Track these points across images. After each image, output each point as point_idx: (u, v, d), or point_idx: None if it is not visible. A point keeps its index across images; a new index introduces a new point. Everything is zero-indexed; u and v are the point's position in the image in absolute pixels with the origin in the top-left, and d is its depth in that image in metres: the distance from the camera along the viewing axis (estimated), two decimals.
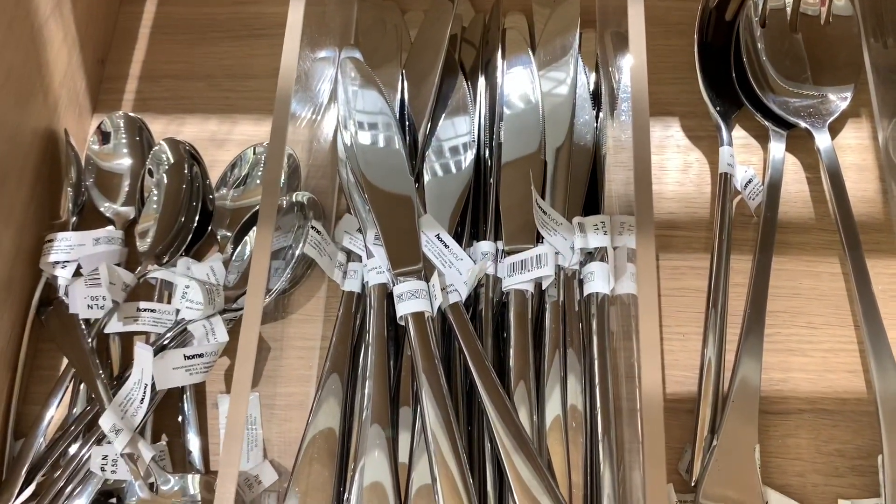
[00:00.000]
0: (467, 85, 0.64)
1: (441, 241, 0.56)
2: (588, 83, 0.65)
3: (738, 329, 0.58)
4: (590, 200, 0.60)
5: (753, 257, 0.60)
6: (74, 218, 0.64)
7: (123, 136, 0.67)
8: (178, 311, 0.58)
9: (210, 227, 0.64)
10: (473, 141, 0.61)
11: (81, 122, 0.68)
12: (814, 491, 0.54)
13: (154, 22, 0.74)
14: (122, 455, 0.53)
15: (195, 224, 0.63)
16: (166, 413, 0.58)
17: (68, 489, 0.55)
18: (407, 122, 0.62)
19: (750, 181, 0.62)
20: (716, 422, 0.55)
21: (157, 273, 0.60)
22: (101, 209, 0.64)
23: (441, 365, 0.52)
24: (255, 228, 0.57)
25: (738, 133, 0.66)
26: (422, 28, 0.67)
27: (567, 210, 0.58)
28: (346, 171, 0.60)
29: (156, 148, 0.64)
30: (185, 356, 0.54)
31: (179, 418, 0.58)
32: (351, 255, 0.59)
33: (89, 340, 0.58)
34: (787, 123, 0.63)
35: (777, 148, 0.63)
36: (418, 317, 0.53)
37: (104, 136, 0.67)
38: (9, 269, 0.59)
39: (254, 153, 0.65)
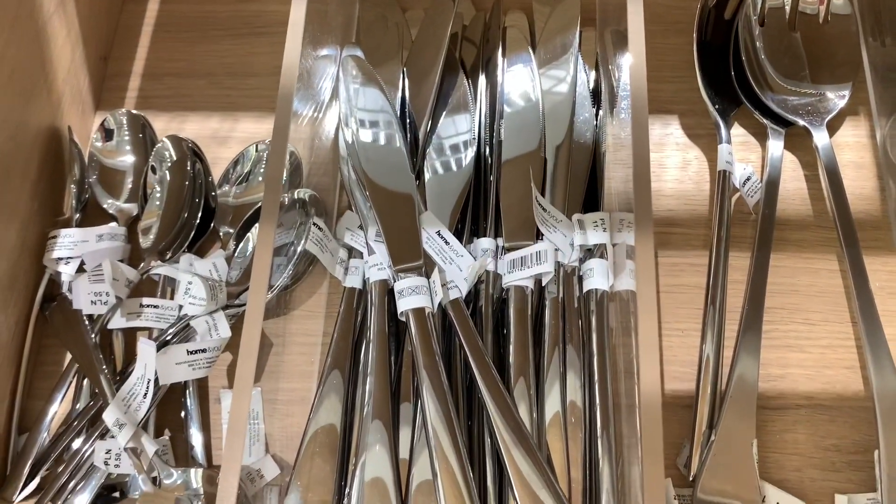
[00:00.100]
0: (468, 83, 0.64)
1: (442, 237, 0.56)
2: (588, 81, 0.65)
3: (737, 325, 0.58)
4: (589, 198, 0.61)
5: (752, 254, 0.60)
6: (78, 214, 0.64)
7: (126, 133, 0.67)
8: (180, 306, 0.59)
9: (212, 224, 0.64)
10: (474, 138, 0.62)
11: (84, 120, 0.69)
12: (811, 486, 0.55)
13: (156, 20, 0.74)
14: (125, 449, 0.53)
15: (198, 220, 0.63)
16: (169, 408, 0.59)
17: (72, 483, 0.55)
18: (408, 120, 0.63)
19: (748, 179, 0.62)
20: (714, 417, 0.55)
21: (160, 269, 0.61)
22: (105, 206, 0.65)
23: (441, 360, 0.52)
24: (257, 225, 0.58)
25: (737, 131, 0.66)
26: (423, 26, 0.67)
27: (567, 207, 0.59)
28: (348, 168, 0.61)
29: (158, 145, 0.65)
30: (187, 351, 0.55)
31: (182, 414, 0.59)
32: (352, 252, 0.60)
33: (93, 336, 0.59)
34: (785, 121, 0.64)
35: (775, 146, 0.63)
36: (419, 312, 0.53)
37: (107, 133, 0.67)
38: (13, 266, 0.59)
39: (256, 150, 0.66)
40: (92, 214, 0.65)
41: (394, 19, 0.68)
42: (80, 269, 0.61)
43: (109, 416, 0.54)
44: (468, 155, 0.61)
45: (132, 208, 0.64)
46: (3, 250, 0.58)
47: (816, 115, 0.63)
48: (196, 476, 0.54)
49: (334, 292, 0.60)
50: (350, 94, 0.61)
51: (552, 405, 0.52)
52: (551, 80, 0.64)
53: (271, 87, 0.52)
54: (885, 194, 0.63)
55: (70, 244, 0.61)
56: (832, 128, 0.65)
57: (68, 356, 0.60)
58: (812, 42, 0.65)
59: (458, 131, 0.62)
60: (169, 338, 0.57)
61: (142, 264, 0.61)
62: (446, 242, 0.56)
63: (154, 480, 0.54)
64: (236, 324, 0.58)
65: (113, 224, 0.63)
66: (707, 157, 0.65)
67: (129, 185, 0.65)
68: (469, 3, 0.71)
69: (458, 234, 0.58)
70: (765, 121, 0.64)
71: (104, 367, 0.57)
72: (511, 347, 0.54)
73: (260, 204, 0.53)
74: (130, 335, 0.61)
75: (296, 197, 0.58)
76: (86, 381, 0.59)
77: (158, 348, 0.55)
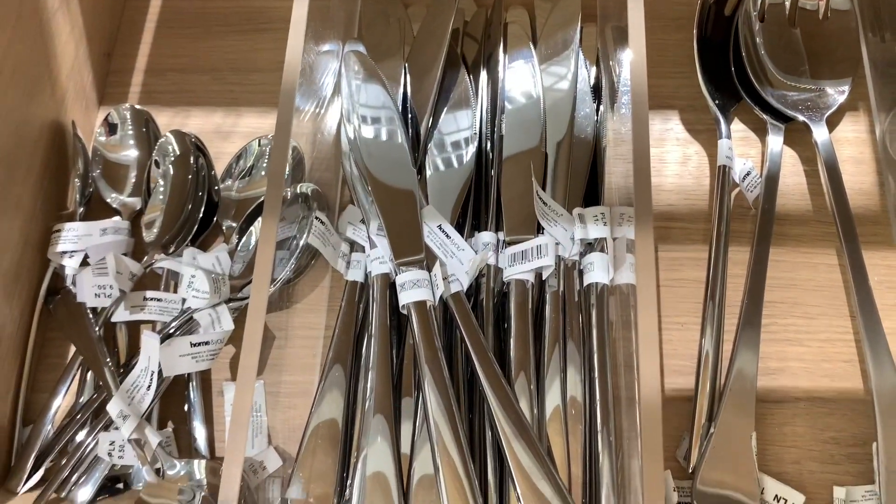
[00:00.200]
0: (469, 78, 0.65)
1: (443, 231, 0.57)
2: (589, 77, 0.65)
3: (736, 319, 0.58)
4: (590, 192, 0.61)
5: (751, 249, 0.60)
6: (81, 209, 0.64)
7: (130, 127, 0.67)
8: (184, 300, 0.59)
9: (215, 218, 0.64)
10: (475, 134, 0.62)
11: (88, 115, 0.69)
12: (810, 478, 0.55)
13: (159, 16, 0.74)
14: (129, 441, 0.54)
15: (201, 215, 0.64)
16: (172, 401, 0.59)
17: (76, 475, 0.56)
18: (409, 115, 0.63)
19: (748, 174, 0.62)
20: (713, 410, 0.55)
21: (163, 263, 0.61)
22: (108, 200, 0.65)
23: (443, 353, 0.53)
24: (259, 219, 0.58)
25: (737, 126, 0.66)
26: (424, 22, 0.67)
27: (567, 202, 0.59)
28: (350, 163, 0.61)
29: (162, 139, 0.65)
30: (191, 343, 0.55)
31: (185, 406, 0.59)
32: (354, 246, 0.60)
33: (96, 329, 0.59)
34: (785, 117, 0.64)
35: (775, 141, 0.64)
36: (420, 306, 0.54)
37: (111, 128, 0.67)
38: (17, 259, 0.60)
39: (259, 145, 0.66)
40: (95, 209, 0.65)
41: (395, 15, 0.69)
42: (84, 263, 0.61)
43: (113, 408, 0.54)
44: (469, 150, 0.61)
45: (136, 202, 0.65)
46: (8, 244, 0.59)
47: (816, 111, 0.63)
48: (199, 467, 0.54)
49: (336, 286, 0.61)
50: (352, 90, 0.61)
51: (552, 399, 0.53)
52: (552, 75, 0.64)
53: (274, 82, 0.52)
54: (885, 189, 0.63)
55: (74, 238, 0.62)
56: (832, 123, 0.65)
57: (72, 349, 0.61)
58: (812, 38, 0.66)
59: (459, 127, 0.63)
60: (172, 331, 0.57)
61: (145, 258, 0.62)
62: (447, 236, 0.57)
63: (157, 471, 0.55)
64: (239, 317, 0.58)
65: (116, 218, 0.64)
66: (707, 152, 0.66)
67: (133, 180, 0.66)
68: None
69: (460, 229, 0.58)
70: (764, 116, 0.65)
71: (108, 359, 0.58)
72: (512, 341, 0.54)
73: (263, 198, 0.54)
74: (134, 328, 0.61)
75: (298, 191, 0.59)
76: (89, 374, 0.59)
77: (162, 341, 0.55)
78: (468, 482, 0.49)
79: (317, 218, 0.57)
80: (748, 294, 0.59)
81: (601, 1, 0.68)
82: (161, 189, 0.64)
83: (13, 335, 0.60)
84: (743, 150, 0.65)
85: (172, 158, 0.64)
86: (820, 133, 0.63)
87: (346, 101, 0.61)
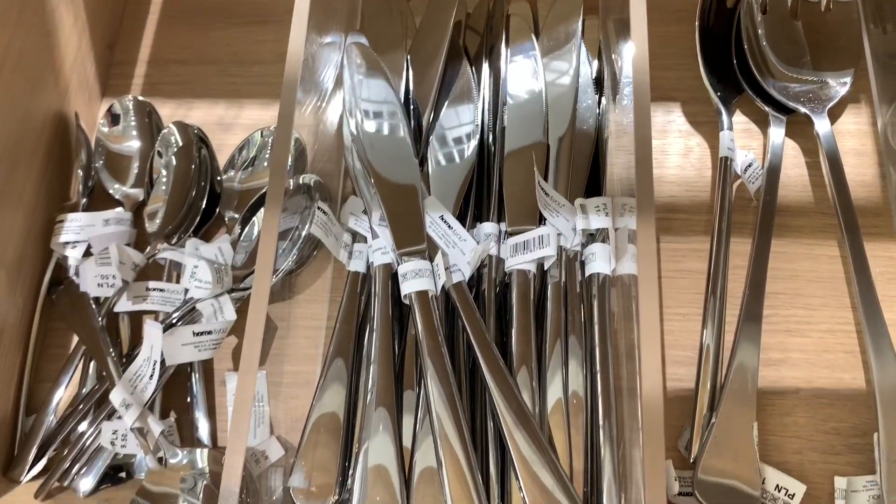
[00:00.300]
0: (471, 70, 0.65)
1: (445, 222, 0.57)
2: (591, 69, 0.65)
3: (738, 310, 0.58)
4: (592, 184, 0.61)
5: (753, 240, 0.60)
6: (84, 200, 0.65)
7: (133, 118, 0.67)
8: (186, 290, 0.59)
9: (218, 210, 0.65)
10: (477, 125, 0.62)
11: (91, 107, 0.69)
12: (811, 468, 0.55)
13: (162, 8, 0.75)
14: (131, 429, 0.54)
15: (203, 205, 0.64)
16: (175, 391, 0.59)
17: (78, 464, 0.56)
18: (411, 107, 0.63)
19: (750, 165, 0.62)
20: (715, 400, 0.55)
21: (165, 253, 0.61)
22: (111, 191, 0.65)
23: (445, 343, 0.53)
24: (262, 209, 0.58)
25: (739, 118, 0.66)
26: (426, 14, 0.67)
27: (569, 193, 0.59)
28: (352, 154, 0.61)
29: (164, 131, 0.65)
30: (193, 333, 0.55)
31: (188, 397, 0.59)
32: (356, 236, 0.60)
33: (99, 319, 0.59)
34: (786, 109, 0.64)
35: (777, 133, 0.64)
36: (422, 295, 0.54)
37: (113, 119, 0.67)
38: (20, 250, 0.60)
39: (261, 136, 0.66)
40: (98, 200, 0.66)
41: (398, 7, 0.69)
42: (87, 254, 0.62)
43: (116, 397, 0.54)
44: (471, 141, 0.61)
45: (138, 193, 0.65)
46: (11, 234, 0.59)
47: (818, 103, 0.64)
48: (202, 456, 0.55)
49: (338, 277, 0.61)
50: (354, 82, 0.61)
51: (554, 391, 0.53)
52: (554, 67, 0.64)
53: (276, 74, 0.52)
54: (886, 181, 0.63)
55: (77, 228, 0.62)
56: (833, 115, 0.65)
57: (75, 339, 0.61)
58: (814, 30, 0.66)
59: (461, 118, 0.63)
60: (175, 321, 0.58)
61: (148, 248, 0.62)
62: (449, 227, 0.57)
63: (160, 460, 0.55)
64: (241, 307, 0.59)
65: (119, 209, 0.64)
66: (709, 144, 0.66)
67: (136, 171, 0.66)
68: None
69: (462, 219, 0.58)
70: (766, 108, 0.65)
71: (111, 349, 0.58)
72: (513, 332, 0.54)
73: (265, 189, 0.54)
74: (137, 319, 0.61)
75: (301, 182, 0.59)
76: (92, 364, 0.59)
77: (164, 331, 0.55)
78: (471, 475, 0.49)
79: (319, 208, 0.57)
80: (750, 285, 0.59)
81: None
82: (164, 180, 0.64)
83: (16, 325, 0.60)
84: (745, 141, 0.65)
85: (175, 149, 0.65)
86: (822, 125, 0.63)
87: (348, 93, 0.61)
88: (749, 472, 0.52)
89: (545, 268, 0.57)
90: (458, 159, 0.61)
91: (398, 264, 0.56)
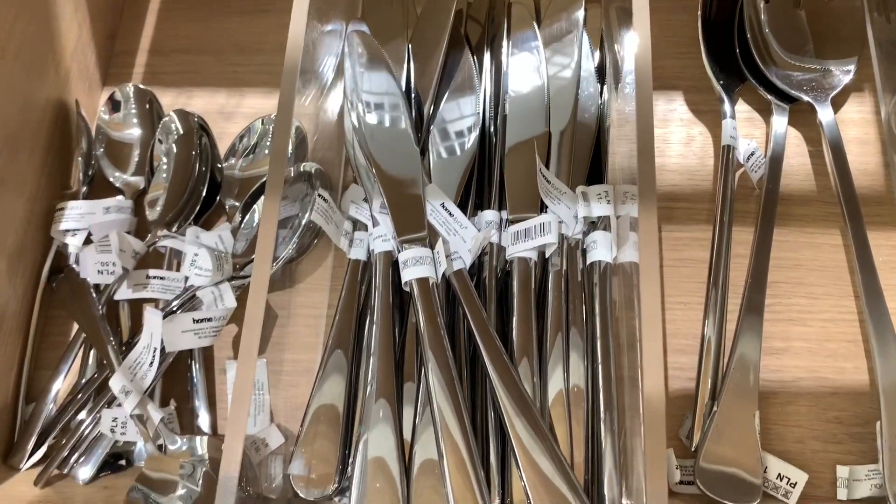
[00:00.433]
0: (473, 59, 0.65)
1: (446, 209, 0.57)
2: (593, 58, 0.65)
3: (740, 299, 0.58)
4: (593, 173, 0.61)
5: (755, 229, 0.60)
6: (85, 188, 0.64)
7: (133, 106, 0.67)
8: (186, 278, 0.59)
9: (218, 198, 0.64)
10: (478, 114, 0.62)
11: (92, 95, 0.69)
12: (813, 457, 0.55)
13: None
14: (131, 416, 0.54)
15: (204, 193, 0.64)
16: (175, 380, 0.59)
17: (78, 452, 0.56)
18: (413, 96, 0.63)
19: (752, 154, 0.62)
20: (716, 389, 0.55)
21: (166, 241, 0.61)
22: (111, 179, 0.65)
23: (445, 331, 0.53)
24: (263, 197, 0.58)
25: (742, 107, 0.66)
26: (427, 2, 0.67)
27: (571, 182, 0.59)
28: (353, 142, 0.61)
29: (165, 119, 0.65)
30: (193, 320, 0.55)
31: (188, 387, 0.59)
32: (357, 225, 0.60)
33: (99, 307, 0.59)
34: (789, 97, 0.64)
35: (779, 122, 0.63)
36: (423, 282, 0.54)
37: (114, 106, 0.67)
38: (21, 237, 0.60)
39: (262, 124, 0.66)
40: (99, 188, 0.66)
41: None
42: (88, 242, 0.62)
43: (116, 383, 0.54)
44: (473, 129, 0.61)
45: (139, 181, 0.65)
46: (11, 222, 0.59)
47: (821, 91, 0.63)
48: (201, 443, 0.54)
49: (339, 266, 0.61)
50: (355, 70, 0.61)
51: (555, 382, 0.53)
52: (556, 56, 0.64)
53: (278, 63, 0.52)
54: (890, 170, 0.63)
55: (77, 216, 0.62)
56: (837, 104, 0.65)
57: (75, 327, 0.61)
58: (817, 18, 0.65)
59: (462, 107, 0.62)
60: (175, 308, 0.58)
61: (148, 236, 0.62)
62: (450, 214, 0.57)
63: (159, 447, 0.55)
64: (241, 295, 0.58)
65: (120, 197, 0.64)
66: (711, 132, 0.66)
67: (136, 159, 0.66)
68: None
69: (463, 207, 0.58)
70: (769, 97, 0.64)
71: (111, 337, 0.58)
72: (514, 321, 0.54)
73: (266, 177, 0.54)
74: (137, 307, 0.61)
75: (301, 170, 0.58)
76: (92, 353, 0.59)
77: (164, 318, 0.55)
78: (472, 465, 0.49)
79: (320, 195, 0.57)
80: (752, 274, 0.58)
81: None
82: (164, 168, 0.64)
83: (17, 313, 0.60)
84: (747, 130, 0.65)
85: (176, 137, 0.64)
86: (825, 113, 0.62)
87: (349, 82, 0.61)
88: (751, 460, 0.52)
89: (546, 255, 0.56)
90: (459, 148, 0.60)
91: (399, 251, 0.55)
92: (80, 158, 0.65)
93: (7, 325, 0.58)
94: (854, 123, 0.65)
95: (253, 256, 0.49)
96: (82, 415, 0.57)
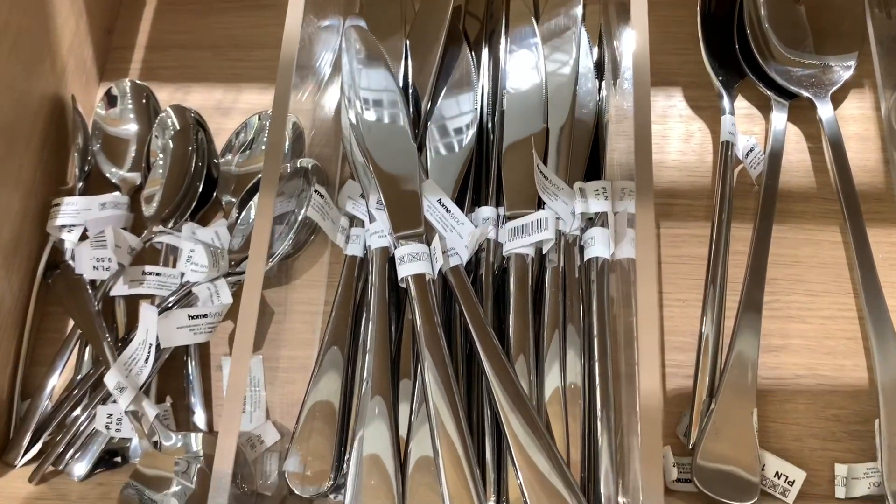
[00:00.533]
0: (471, 55, 0.64)
1: (443, 205, 0.56)
2: (591, 54, 0.65)
3: (738, 296, 0.58)
4: (592, 170, 0.61)
5: (754, 226, 0.60)
6: (81, 183, 0.64)
7: (130, 101, 0.67)
8: (182, 274, 0.59)
9: (215, 193, 0.64)
10: (476, 110, 0.62)
11: (88, 90, 0.69)
12: (811, 455, 0.55)
13: None
14: (126, 412, 0.54)
15: (200, 189, 0.63)
16: (171, 377, 0.59)
17: (73, 449, 0.56)
18: (410, 91, 0.63)
19: (751, 150, 0.62)
20: (714, 387, 0.55)
21: (162, 237, 0.61)
22: (108, 175, 0.65)
23: (441, 328, 0.52)
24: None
25: (741, 103, 0.66)
26: None
27: (569, 178, 0.58)
28: (350, 138, 0.61)
29: (162, 114, 0.65)
30: (189, 316, 0.55)
31: (184, 383, 0.59)
32: (353, 221, 0.60)
33: (95, 303, 0.59)
34: (789, 93, 0.63)
35: (779, 118, 0.63)
36: (419, 279, 0.53)
37: (111, 101, 0.67)
38: (16, 233, 0.60)
39: (259, 120, 0.66)
40: (95, 184, 0.65)
41: None
42: (84, 238, 0.61)
43: (111, 380, 0.54)
44: (470, 125, 0.61)
45: (135, 177, 0.65)
46: (7, 217, 0.59)
47: (821, 87, 0.63)
48: (196, 440, 0.54)
49: (336, 262, 0.60)
50: (353, 66, 0.61)
51: (552, 380, 0.52)
52: (555, 52, 0.63)
53: (275, 59, 0.52)
54: (889, 166, 0.63)
55: (73, 212, 0.62)
56: (836, 100, 0.64)
57: (71, 324, 0.61)
58: (817, 13, 0.65)
59: (460, 103, 0.62)
60: (171, 304, 0.57)
61: (145, 232, 0.62)
62: (447, 210, 0.56)
63: (154, 444, 0.54)
64: (237, 291, 0.58)
65: (116, 193, 0.64)
66: (710, 128, 0.65)
67: (132, 155, 0.66)
68: None
69: (460, 204, 0.58)
70: (768, 93, 0.64)
71: (107, 333, 0.58)
72: (511, 318, 0.54)
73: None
74: (133, 304, 0.61)
75: (298, 166, 0.58)
76: (88, 349, 0.59)
77: (160, 314, 0.55)
78: (467, 463, 0.49)
79: (316, 191, 0.57)
80: (751, 271, 0.58)
81: None
82: (161, 164, 0.64)
83: (12, 309, 0.60)
84: (747, 126, 0.65)
85: (172, 133, 0.64)
86: (824, 110, 0.62)
87: (346, 77, 0.61)
88: (748, 458, 0.52)
89: (543, 252, 0.56)
90: (456, 145, 0.60)
91: (395, 247, 0.55)
92: (76, 154, 0.64)
93: (2, 320, 0.58)
94: (854, 119, 0.64)
95: (248, 252, 0.49)
96: (78, 411, 0.57)
